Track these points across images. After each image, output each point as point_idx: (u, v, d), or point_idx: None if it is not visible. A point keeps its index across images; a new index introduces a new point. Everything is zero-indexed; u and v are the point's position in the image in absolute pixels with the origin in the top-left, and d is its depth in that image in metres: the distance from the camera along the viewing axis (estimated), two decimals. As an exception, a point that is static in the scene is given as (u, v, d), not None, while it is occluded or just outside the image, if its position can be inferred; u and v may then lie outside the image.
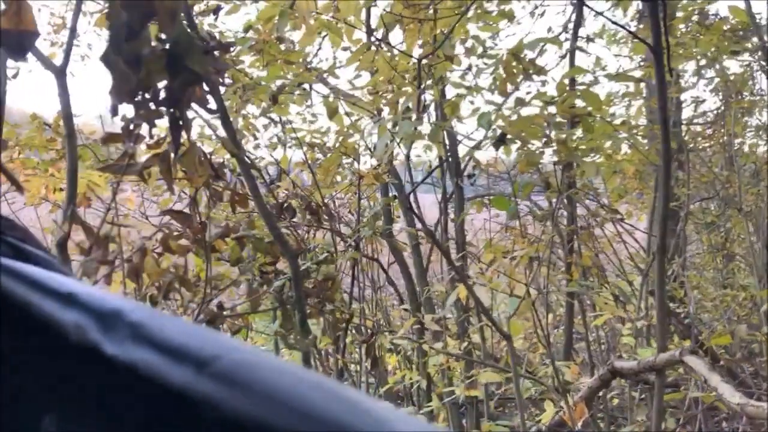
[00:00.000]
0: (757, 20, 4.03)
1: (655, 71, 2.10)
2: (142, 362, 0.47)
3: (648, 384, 3.50)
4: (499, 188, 5.36)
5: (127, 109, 1.40)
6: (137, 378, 0.47)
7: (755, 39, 4.31)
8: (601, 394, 4.13)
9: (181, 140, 1.58)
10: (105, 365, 0.48)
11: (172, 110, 1.44)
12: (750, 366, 4.66)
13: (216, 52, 1.48)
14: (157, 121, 1.60)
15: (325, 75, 3.64)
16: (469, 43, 3.27)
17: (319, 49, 4.22)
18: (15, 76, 4.41)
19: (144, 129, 1.62)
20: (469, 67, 3.14)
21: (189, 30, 2.03)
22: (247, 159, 3.27)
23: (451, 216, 4.28)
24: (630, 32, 2.50)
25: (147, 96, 1.33)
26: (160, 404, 0.46)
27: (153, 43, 1.12)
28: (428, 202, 5.07)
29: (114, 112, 1.35)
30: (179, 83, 1.20)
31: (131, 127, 1.31)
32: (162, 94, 1.36)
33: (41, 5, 5.31)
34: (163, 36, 1.13)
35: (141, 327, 0.48)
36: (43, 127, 3.70)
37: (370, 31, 3.14)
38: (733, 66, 6.13)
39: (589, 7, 3.41)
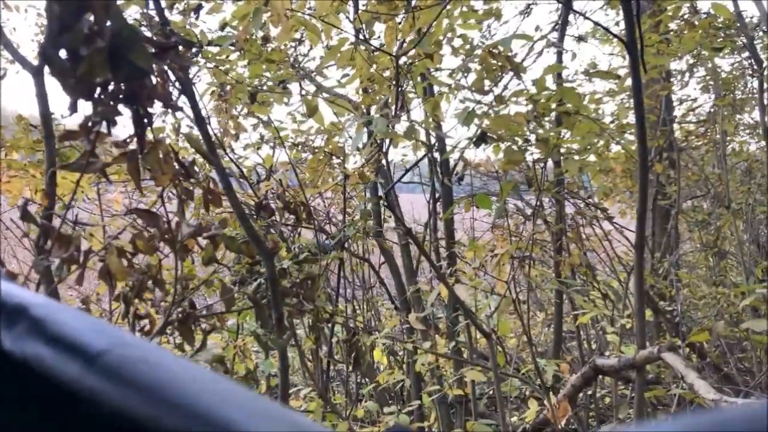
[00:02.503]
0: (745, 19, 4.02)
1: (630, 68, 2.09)
2: (34, 357, 0.46)
3: (632, 381, 3.49)
4: (490, 187, 5.35)
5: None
6: (31, 373, 0.46)
7: (743, 37, 4.29)
8: (591, 392, 4.12)
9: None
10: (2, 360, 0.48)
11: (135, 107, 1.43)
12: (738, 362, 4.65)
13: (179, 49, 1.47)
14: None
15: (313, 74, 3.63)
16: (457, 42, 3.26)
17: (311, 48, 4.21)
18: (2, 76, 4.40)
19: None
20: (461, 67, 3.12)
21: (164, 25, 2.03)
22: (229, 158, 3.27)
23: (441, 215, 4.27)
24: (605, 29, 2.49)
25: (106, 92, 1.32)
26: (52, 399, 0.46)
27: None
28: (421, 203, 5.06)
29: (73, 109, 1.34)
30: (122, 78, 1.19)
31: (90, 124, 1.31)
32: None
33: (27, 5, 5.31)
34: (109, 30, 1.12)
35: (41, 322, 0.48)
36: (29, 129, 3.69)
37: (357, 28, 3.13)
38: (724, 65, 6.10)
39: (574, 10, 3.40)
